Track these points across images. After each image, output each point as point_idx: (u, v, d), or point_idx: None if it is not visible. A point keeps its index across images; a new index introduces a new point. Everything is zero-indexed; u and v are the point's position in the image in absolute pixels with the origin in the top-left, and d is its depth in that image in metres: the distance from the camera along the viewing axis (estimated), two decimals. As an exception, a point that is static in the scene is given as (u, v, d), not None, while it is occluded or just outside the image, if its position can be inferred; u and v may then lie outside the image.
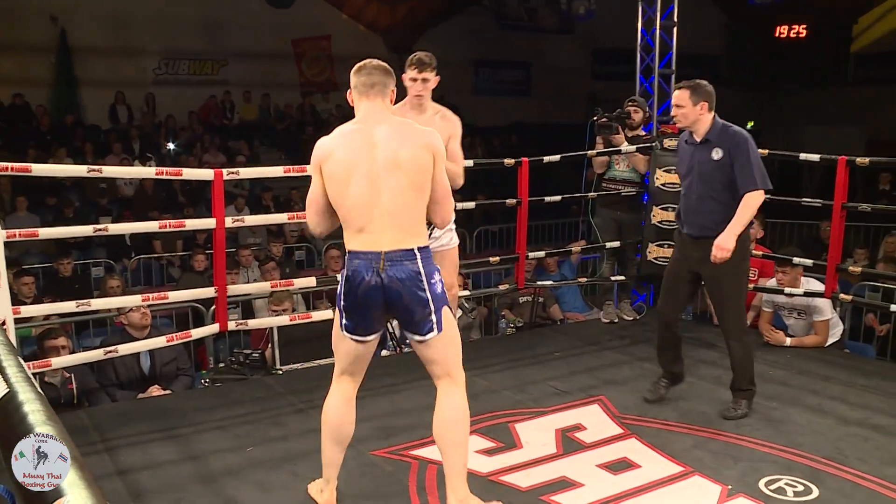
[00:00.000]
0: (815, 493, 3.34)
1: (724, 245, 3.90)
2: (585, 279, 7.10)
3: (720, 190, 4.00)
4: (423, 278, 2.94)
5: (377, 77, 3.03)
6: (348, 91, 3.09)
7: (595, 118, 5.89)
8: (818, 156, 5.45)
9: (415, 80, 4.13)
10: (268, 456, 3.72)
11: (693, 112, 4.00)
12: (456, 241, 4.55)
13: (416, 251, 2.95)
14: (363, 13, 16.33)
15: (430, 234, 4.27)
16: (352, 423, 3.18)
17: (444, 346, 3.06)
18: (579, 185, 6.16)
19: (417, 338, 3.04)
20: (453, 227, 4.42)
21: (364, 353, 3.15)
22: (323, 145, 3.01)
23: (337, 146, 2.98)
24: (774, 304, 5.68)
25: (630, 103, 6.12)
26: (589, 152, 5.88)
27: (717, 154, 3.98)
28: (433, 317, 2.98)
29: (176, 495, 3.32)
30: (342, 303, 3.03)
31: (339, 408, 3.18)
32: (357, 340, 3.09)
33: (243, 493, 3.36)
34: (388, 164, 2.92)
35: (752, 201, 3.91)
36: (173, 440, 3.88)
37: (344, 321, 3.05)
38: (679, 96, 4.03)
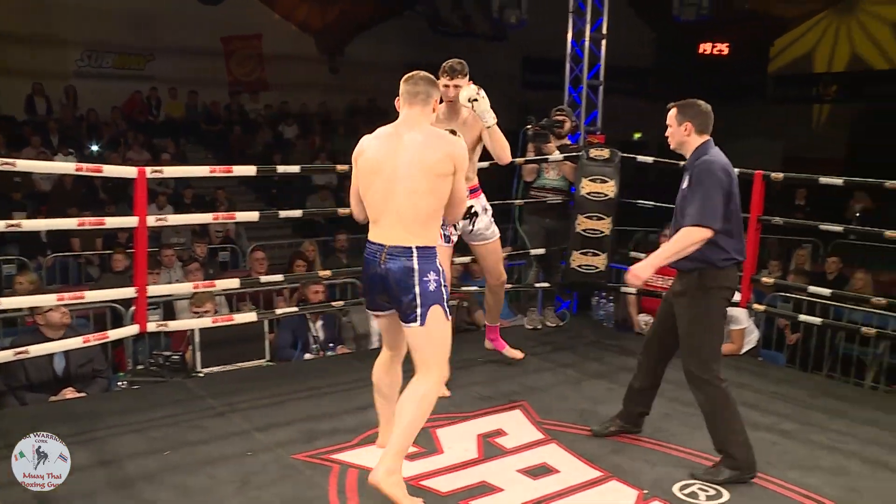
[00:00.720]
0: (726, 496, 3.44)
1: (636, 272, 3.60)
2: (511, 285, 7.16)
3: (682, 219, 3.66)
4: (416, 275, 3.23)
5: (422, 87, 3.40)
6: (397, 98, 3.45)
7: (528, 126, 5.96)
8: (737, 170, 5.60)
9: (447, 87, 4.39)
10: (186, 460, 3.66)
11: (678, 133, 3.71)
12: (497, 232, 4.83)
13: (413, 249, 3.24)
14: (294, 13, 16.21)
15: (472, 230, 4.61)
16: (391, 385, 3.58)
17: (423, 339, 3.29)
18: (510, 192, 6.21)
19: (403, 324, 3.33)
20: (492, 218, 4.77)
21: (388, 326, 3.50)
22: (361, 142, 3.43)
23: (370, 145, 3.38)
24: None
25: (558, 112, 6.21)
26: (517, 160, 5.94)
27: (685, 182, 3.68)
28: (418, 310, 3.24)
29: (88, 501, 3.23)
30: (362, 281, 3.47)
31: (378, 370, 3.61)
32: (374, 315, 3.55)
33: (160, 497, 3.30)
34: (410, 168, 3.25)
35: (684, 236, 3.55)
36: (87, 444, 3.77)
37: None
38: (669, 115, 3.77)
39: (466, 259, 6.35)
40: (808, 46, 19.16)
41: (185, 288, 5.63)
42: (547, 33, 8.97)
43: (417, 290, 3.23)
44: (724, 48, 19.29)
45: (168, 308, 6.43)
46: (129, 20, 14.55)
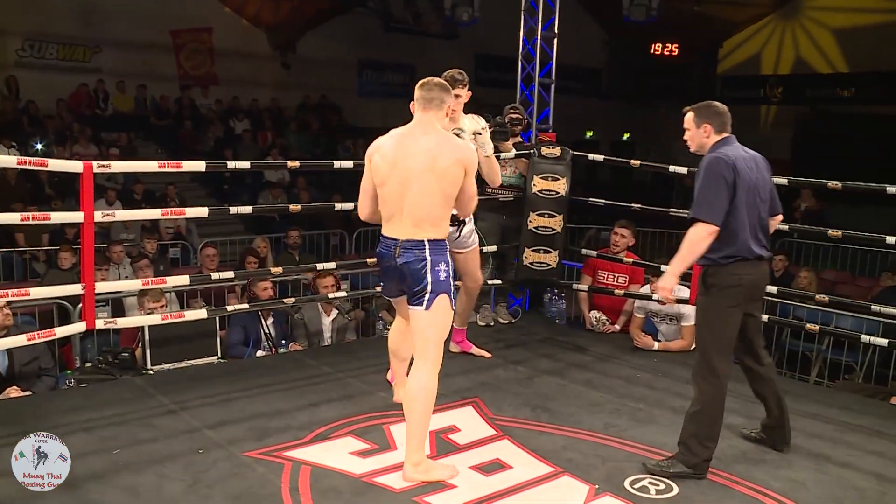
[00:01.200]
0: (676, 490, 3.50)
1: (661, 284, 3.64)
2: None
3: None
4: (428, 265, 3.51)
5: (436, 93, 3.60)
6: (412, 102, 3.67)
7: (488, 124, 5.98)
8: (686, 169, 5.72)
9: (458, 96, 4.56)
10: (135, 459, 3.61)
11: (698, 135, 3.73)
12: (477, 240, 5.10)
13: (426, 242, 3.52)
14: (245, 8, 16.06)
15: (458, 237, 4.79)
16: (407, 349, 3.93)
17: (425, 323, 3.55)
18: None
19: (410, 307, 3.60)
20: (474, 228, 5.01)
21: (401, 306, 3.85)
22: (377, 141, 3.66)
23: (386, 144, 3.61)
24: (647, 310, 5.91)
25: (512, 111, 6.25)
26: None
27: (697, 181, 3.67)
28: (426, 296, 3.51)
29: (36, 502, 3.17)
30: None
31: (394, 335, 4.12)
32: (390, 299, 3.96)
33: (108, 497, 3.25)
34: (424, 169, 3.48)
35: (689, 236, 3.53)
36: (32, 443, 3.70)
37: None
38: (686, 119, 3.78)
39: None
40: (755, 49, 19.57)
41: (134, 284, 5.56)
42: (499, 31, 9.01)
43: (429, 278, 3.51)
44: (674, 49, 19.60)
45: (118, 305, 6.34)
46: (72, 10, 14.18)
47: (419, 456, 3.50)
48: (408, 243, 3.52)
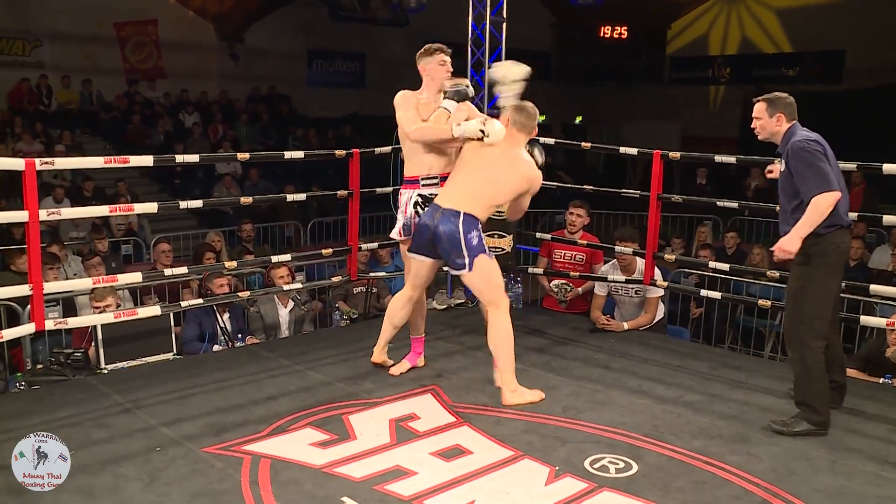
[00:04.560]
0: (635, 468, 3.55)
1: (784, 246, 3.85)
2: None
3: (785, 201, 4.00)
4: (461, 234, 4.16)
5: (532, 121, 4.38)
6: (506, 118, 4.39)
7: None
8: (636, 150, 5.78)
9: (443, 63, 4.64)
10: (90, 460, 3.55)
11: (770, 124, 3.99)
12: None
13: (461, 214, 4.19)
14: (191, -2, 15.81)
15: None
16: (403, 318, 4.65)
17: (479, 281, 4.28)
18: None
19: (452, 271, 4.38)
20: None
21: (420, 269, 4.48)
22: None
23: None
24: (609, 286, 5.96)
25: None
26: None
27: (782, 165, 3.98)
28: (466, 260, 4.19)
29: (-13, 508, 3.11)
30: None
31: (395, 304, 4.65)
32: (414, 257, 4.47)
33: (63, 500, 3.19)
34: (500, 173, 4.30)
35: (814, 206, 3.77)
36: (-18, 449, 3.62)
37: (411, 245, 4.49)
38: (757, 108, 4.05)
39: (374, 245, 6.35)
40: (702, 30, 19.81)
41: (85, 283, 5.44)
42: (447, 17, 8.98)
43: (463, 244, 4.16)
44: (623, 31, 19.75)
45: (70, 304, 6.21)
46: (6, 2, 13.79)
47: (512, 383, 4.26)
48: (448, 212, 4.19)
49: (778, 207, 4.14)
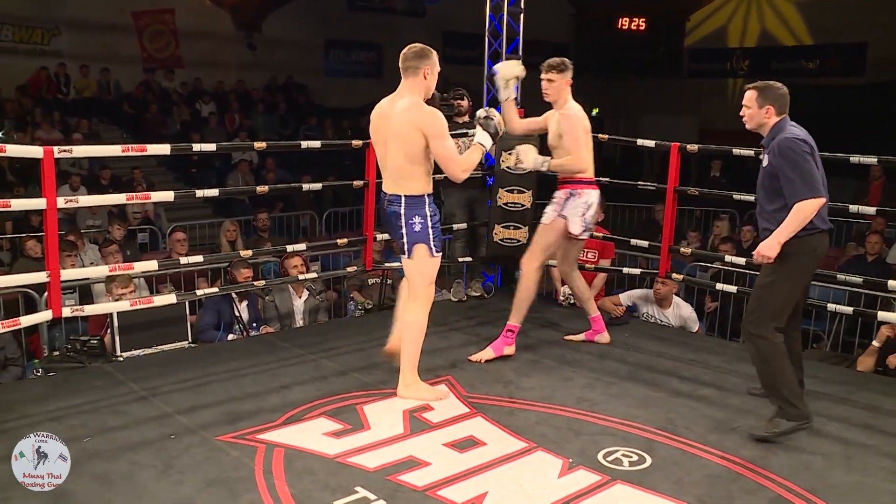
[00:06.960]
0: (649, 461, 3.54)
1: (763, 251, 3.74)
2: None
3: (764, 197, 3.87)
4: (403, 219, 4.01)
5: (411, 62, 3.99)
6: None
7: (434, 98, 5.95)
8: (653, 142, 5.74)
9: (541, 80, 4.87)
10: (106, 446, 3.57)
11: (758, 115, 3.84)
12: (551, 216, 5.02)
13: (402, 198, 4.01)
14: (208, -13, 15.81)
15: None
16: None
17: (410, 269, 4.13)
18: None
19: (401, 257, 4.17)
20: (556, 199, 5.01)
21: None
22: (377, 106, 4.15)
23: (376, 110, 4.12)
24: (633, 301, 6.12)
25: (457, 90, 6.30)
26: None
27: (765, 160, 3.83)
28: (406, 246, 4.06)
29: (3, 494, 3.13)
30: None
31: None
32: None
33: (80, 486, 3.21)
34: (395, 131, 3.95)
35: (798, 212, 3.66)
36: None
37: None
38: (747, 96, 3.88)
39: (388, 236, 6.34)
40: (721, 22, 19.62)
41: (101, 271, 5.47)
42: (465, 8, 8.95)
43: (404, 230, 4.02)
44: (641, 23, 19.59)
45: (86, 292, 6.25)
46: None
47: (409, 377, 4.17)
48: (390, 197, 4.06)
49: (755, 197, 4.04)
